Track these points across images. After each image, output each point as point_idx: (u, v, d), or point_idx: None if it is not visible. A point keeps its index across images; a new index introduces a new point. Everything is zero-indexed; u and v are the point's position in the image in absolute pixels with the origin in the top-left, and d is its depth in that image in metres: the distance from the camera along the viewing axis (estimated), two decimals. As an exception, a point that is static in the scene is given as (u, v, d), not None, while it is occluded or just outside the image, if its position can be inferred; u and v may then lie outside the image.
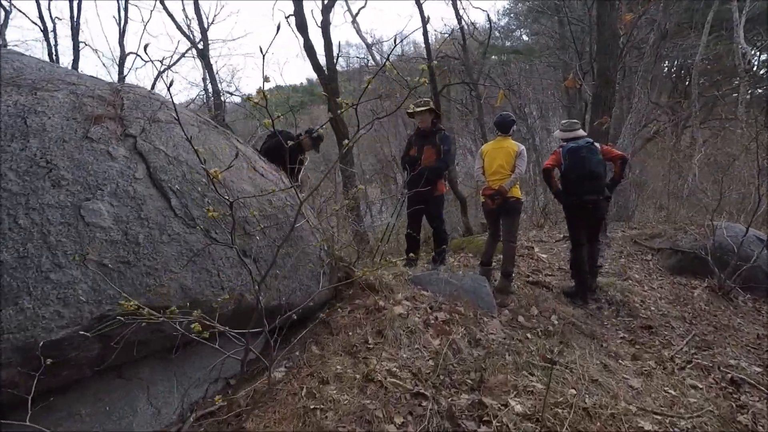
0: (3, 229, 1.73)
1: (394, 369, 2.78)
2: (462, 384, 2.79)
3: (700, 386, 3.32)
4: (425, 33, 9.39)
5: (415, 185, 4.88)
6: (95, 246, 1.83)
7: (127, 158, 2.10)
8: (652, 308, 4.78)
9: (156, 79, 13.04)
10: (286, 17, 10.68)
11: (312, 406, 2.38)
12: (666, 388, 3.20)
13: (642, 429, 2.53)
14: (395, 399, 2.50)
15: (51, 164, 1.94)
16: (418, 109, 4.83)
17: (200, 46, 13.60)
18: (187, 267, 2.08)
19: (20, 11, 12.43)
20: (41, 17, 11.66)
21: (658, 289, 5.44)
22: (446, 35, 15.33)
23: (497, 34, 21.41)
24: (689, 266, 5.92)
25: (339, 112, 1.59)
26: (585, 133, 4.75)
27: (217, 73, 13.76)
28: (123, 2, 13.20)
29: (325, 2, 10.23)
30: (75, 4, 11.77)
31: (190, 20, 15.54)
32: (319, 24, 10.78)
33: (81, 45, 11.96)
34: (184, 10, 14.94)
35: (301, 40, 10.54)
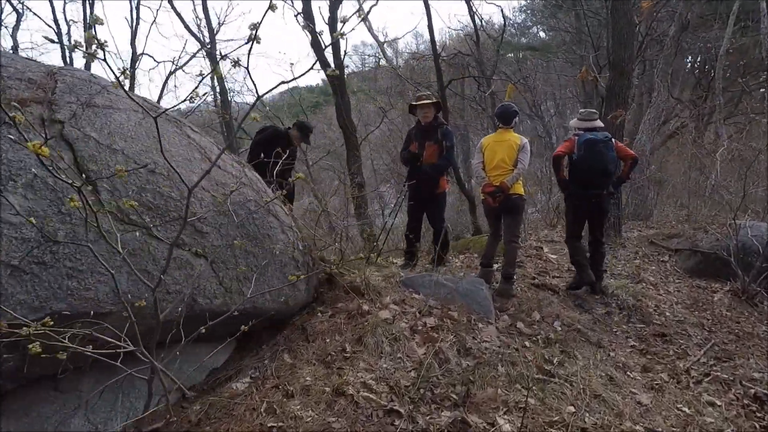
0: None
1: (370, 381, 2.52)
2: (445, 399, 2.51)
3: (719, 403, 2.97)
4: (430, 26, 9.09)
5: (416, 183, 4.66)
6: (2, 245, 1.61)
7: (51, 146, 1.88)
8: (667, 314, 4.40)
9: (166, 80, 13.05)
10: (295, 15, 10.59)
11: (270, 424, 2.13)
12: (679, 406, 2.86)
13: (647, 455, 2.22)
14: (365, 417, 2.24)
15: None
16: (421, 103, 4.56)
17: (209, 46, 13.55)
18: (121, 268, 1.86)
19: (35, 14, 12.57)
20: (56, 20, 11.72)
21: (675, 292, 5.05)
22: (460, 32, 15.06)
23: (513, 30, 21.03)
24: (710, 268, 5.53)
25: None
26: (603, 125, 4.53)
27: (228, 72, 13.69)
28: (135, 2, 13.21)
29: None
30: (87, 5, 11.81)
31: (200, 20, 15.47)
32: (327, 21, 10.65)
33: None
34: (194, 9, 14.95)
35: (309, 37, 10.44)
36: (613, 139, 4.32)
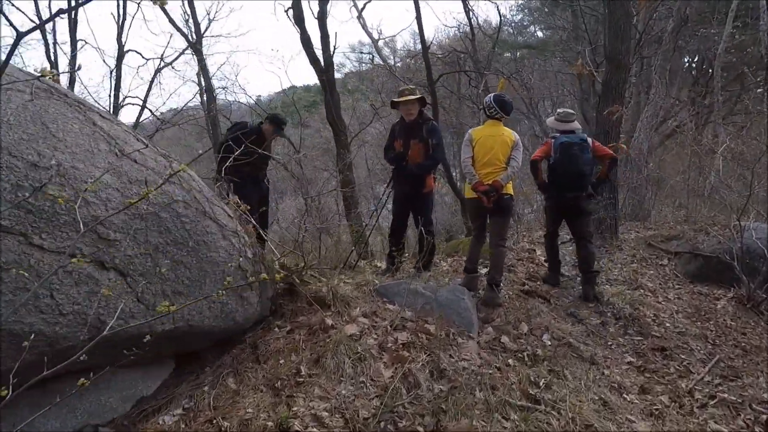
0: None
1: (323, 413, 2.16)
2: (410, 434, 2.15)
3: (726, 431, 2.62)
4: (418, 16, 8.75)
5: (401, 182, 4.35)
6: None
7: None
8: (667, 324, 4.05)
9: (154, 77, 12.66)
10: (285, 10, 10.26)
11: (191, 472, 1.77)
12: (682, 435, 2.52)
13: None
14: (309, 460, 1.88)
15: None
16: (403, 99, 4.18)
17: (195, 41, 13.18)
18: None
19: (18, 9, 12.09)
20: (39, 14, 11.25)
21: (675, 300, 4.70)
22: (456, 29, 14.73)
23: (510, 30, 20.72)
24: (712, 273, 5.17)
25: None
26: (580, 126, 4.47)
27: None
28: (122, -1, 12.76)
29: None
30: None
31: (188, 16, 15.06)
32: (316, 15, 10.31)
33: (80, 43, 11.45)
34: (183, 5, 14.54)
35: (299, 32, 10.08)
36: (589, 140, 4.26)
